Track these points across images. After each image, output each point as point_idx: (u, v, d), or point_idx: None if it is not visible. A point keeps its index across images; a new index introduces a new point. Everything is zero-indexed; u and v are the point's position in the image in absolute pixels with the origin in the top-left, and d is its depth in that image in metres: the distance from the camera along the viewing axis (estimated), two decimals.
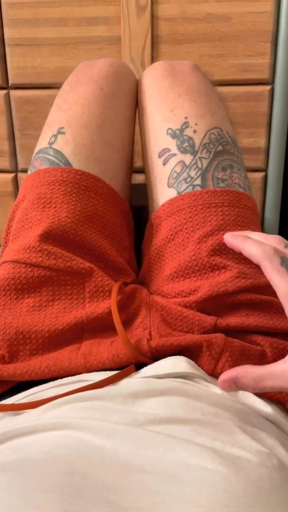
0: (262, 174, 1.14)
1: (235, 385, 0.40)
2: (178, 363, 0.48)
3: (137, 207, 0.76)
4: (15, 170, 1.19)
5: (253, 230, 0.60)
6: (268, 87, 1.09)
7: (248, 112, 1.09)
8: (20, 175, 1.19)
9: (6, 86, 1.13)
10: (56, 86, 1.11)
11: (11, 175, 1.19)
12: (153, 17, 1.07)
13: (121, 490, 0.31)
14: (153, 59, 1.09)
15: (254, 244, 0.42)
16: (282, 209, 1.16)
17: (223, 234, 0.58)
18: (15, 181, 1.20)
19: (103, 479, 0.32)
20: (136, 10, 1.06)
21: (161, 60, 1.09)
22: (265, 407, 0.46)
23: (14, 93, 1.13)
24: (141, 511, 0.30)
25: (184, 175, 0.62)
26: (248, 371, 0.39)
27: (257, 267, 0.57)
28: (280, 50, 1.06)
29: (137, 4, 1.06)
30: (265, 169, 1.14)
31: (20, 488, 0.30)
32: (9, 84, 1.13)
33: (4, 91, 1.13)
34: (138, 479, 0.32)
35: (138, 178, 0.94)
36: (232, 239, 0.44)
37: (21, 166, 1.18)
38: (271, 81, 1.09)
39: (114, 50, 1.09)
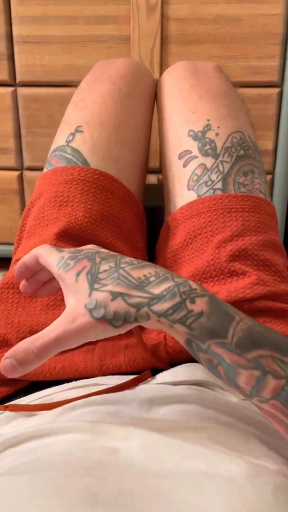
0: (269, 176, 1.14)
1: (17, 362, 0.35)
2: (194, 370, 0.48)
3: (149, 208, 0.76)
4: (20, 168, 1.18)
5: (273, 236, 0.60)
6: (277, 90, 1.09)
7: (257, 114, 1.09)
8: (25, 173, 1.18)
9: (13, 84, 1.12)
10: (64, 85, 1.11)
11: (17, 173, 1.18)
12: (163, 17, 1.06)
13: (137, 496, 0.31)
14: (162, 59, 1.09)
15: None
16: None
17: (243, 239, 0.58)
18: (21, 179, 1.19)
19: (119, 484, 0.32)
20: (146, 10, 1.06)
21: (170, 60, 1.09)
22: None
23: (21, 91, 1.12)
24: None
25: (205, 178, 0.62)
26: (23, 341, 0.37)
27: (276, 274, 0.57)
28: None
29: (147, 3, 1.05)
30: (272, 172, 1.14)
31: (37, 492, 0.30)
32: (17, 81, 1.12)
33: (11, 88, 1.12)
34: (154, 485, 0.32)
35: (151, 179, 0.94)
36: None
37: (26, 164, 1.18)
38: (280, 84, 1.09)
39: (123, 49, 1.09)
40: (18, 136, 1.16)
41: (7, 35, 1.09)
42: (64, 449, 0.36)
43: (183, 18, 1.06)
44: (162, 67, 1.09)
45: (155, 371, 0.49)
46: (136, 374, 0.49)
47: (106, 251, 0.41)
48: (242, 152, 0.63)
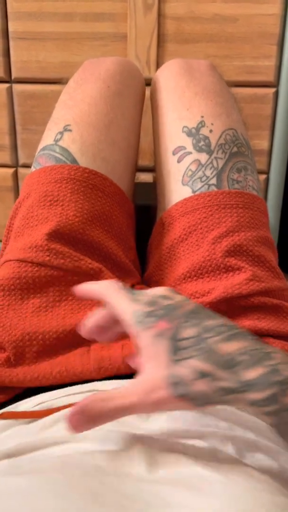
0: (264, 176, 1.14)
1: (84, 419, 0.34)
2: None
3: (140, 206, 0.76)
4: (15, 165, 1.18)
5: (265, 233, 0.60)
6: (273, 90, 1.09)
7: (253, 114, 1.09)
8: (20, 170, 1.18)
9: (9, 80, 1.12)
10: (59, 82, 1.10)
11: (12, 170, 1.18)
12: (160, 15, 1.06)
13: (137, 499, 0.31)
14: (158, 58, 1.09)
15: (91, 284, 0.41)
16: (283, 211, 1.17)
17: (238, 235, 0.58)
18: (15, 176, 1.18)
19: (120, 487, 0.31)
20: (143, 8, 1.06)
21: (167, 59, 1.09)
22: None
23: (16, 87, 1.12)
24: None
25: (200, 174, 0.62)
26: (95, 396, 0.35)
27: (270, 270, 0.57)
28: (286, 53, 1.06)
29: (144, 1, 1.05)
30: (267, 172, 1.14)
31: (39, 494, 0.30)
32: (12, 78, 1.12)
33: (6, 85, 1.12)
34: (152, 488, 0.32)
35: (141, 177, 0.93)
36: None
37: (22, 161, 1.17)
38: (276, 84, 1.09)
39: (119, 47, 1.09)
40: (13, 133, 1.15)
41: (3, 31, 1.08)
42: (64, 457, 0.35)
43: (180, 16, 1.06)
44: (159, 65, 1.09)
45: None
46: (134, 375, 0.48)
47: (182, 299, 0.38)
48: (235, 149, 0.63)
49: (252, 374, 0.32)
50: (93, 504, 0.29)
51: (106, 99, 0.68)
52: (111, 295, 0.39)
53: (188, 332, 0.35)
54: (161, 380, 0.33)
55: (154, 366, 0.34)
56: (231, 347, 0.34)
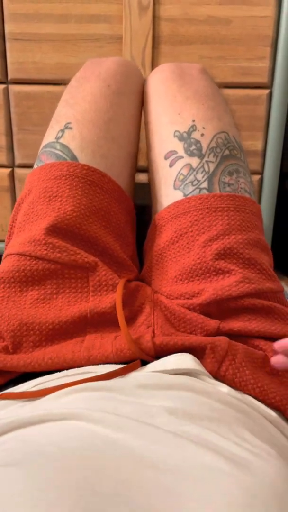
0: (258, 177, 1.15)
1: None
2: (184, 360, 0.48)
3: (137, 206, 0.77)
4: (12, 165, 1.19)
5: (257, 235, 0.61)
6: (266, 91, 1.10)
7: (246, 115, 1.10)
8: (17, 170, 1.19)
9: (5, 81, 1.13)
10: (56, 83, 1.11)
11: (8, 170, 1.18)
12: (155, 17, 1.07)
13: (135, 486, 0.31)
14: (153, 59, 1.10)
15: None
16: (276, 212, 1.18)
17: (229, 238, 0.59)
18: (12, 176, 1.19)
19: (117, 474, 0.32)
20: (138, 10, 1.06)
21: (162, 60, 1.10)
22: (269, 411, 0.47)
23: (13, 88, 1.13)
24: (157, 509, 0.30)
25: (191, 178, 0.63)
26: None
27: (261, 272, 0.58)
28: (280, 54, 1.07)
29: (139, 3, 1.06)
30: (261, 172, 1.15)
31: (32, 484, 0.30)
32: (8, 78, 1.12)
33: (3, 86, 1.12)
34: (152, 475, 0.32)
35: (139, 178, 0.94)
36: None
37: (18, 161, 1.18)
38: (269, 85, 1.10)
39: (114, 49, 1.10)
40: (9, 133, 1.16)
41: None
42: (59, 437, 0.35)
43: (175, 18, 1.07)
44: (154, 67, 1.10)
45: (143, 362, 0.49)
46: (122, 364, 0.49)
47: None
48: (227, 152, 0.64)
49: None
50: (89, 495, 0.29)
51: (106, 97, 0.69)
52: None
53: None
54: None
55: None
56: None
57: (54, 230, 0.58)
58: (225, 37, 1.07)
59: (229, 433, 0.38)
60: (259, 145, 1.13)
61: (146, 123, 0.74)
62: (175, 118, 0.67)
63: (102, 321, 0.54)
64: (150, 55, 1.09)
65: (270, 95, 1.10)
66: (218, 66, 1.09)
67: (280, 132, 1.11)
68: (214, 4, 1.05)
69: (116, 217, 0.64)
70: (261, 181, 1.15)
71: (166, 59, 1.09)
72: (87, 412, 0.37)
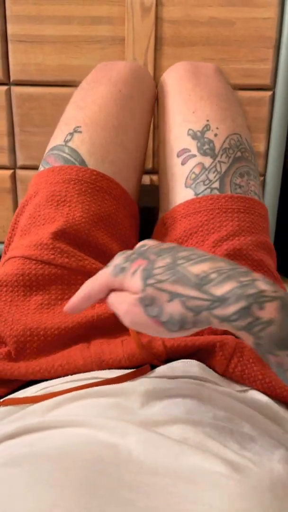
0: (260, 178, 1.15)
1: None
2: (190, 366, 0.48)
3: (141, 208, 0.77)
4: (13, 166, 1.19)
5: (265, 238, 0.61)
6: (269, 93, 1.10)
7: (249, 116, 1.10)
8: (18, 171, 1.19)
9: (7, 82, 1.13)
10: (58, 84, 1.11)
11: (10, 172, 1.18)
12: (157, 18, 1.07)
13: (136, 489, 0.31)
14: (156, 61, 1.10)
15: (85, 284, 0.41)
16: (279, 213, 1.18)
17: (238, 239, 0.59)
18: (13, 177, 1.19)
19: (118, 477, 0.32)
20: (141, 11, 1.06)
21: (164, 62, 1.10)
22: (276, 407, 0.47)
23: (15, 89, 1.13)
24: (156, 509, 0.30)
25: (203, 177, 0.63)
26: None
27: (269, 275, 0.58)
28: (282, 56, 1.07)
29: (142, 5, 1.06)
30: (263, 174, 1.15)
31: (35, 483, 0.30)
32: (11, 80, 1.12)
33: (5, 87, 1.12)
34: (152, 479, 0.32)
35: (143, 179, 0.94)
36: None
37: (20, 162, 1.18)
38: (272, 87, 1.10)
39: (117, 50, 1.10)
40: (11, 134, 1.16)
41: (2, 34, 1.09)
42: (61, 443, 0.36)
43: (177, 20, 1.07)
44: (156, 68, 1.10)
45: (153, 366, 0.49)
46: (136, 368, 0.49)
47: (157, 243, 0.38)
48: (239, 154, 0.64)
49: (223, 289, 0.31)
50: (90, 495, 0.30)
51: (117, 101, 0.69)
52: (94, 281, 0.39)
53: (162, 262, 0.35)
54: (134, 300, 0.34)
55: (130, 293, 0.35)
56: (202, 267, 0.33)
57: (62, 235, 0.58)
58: (228, 39, 1.08)
59: (230, 441, 0.38)
60: (261, 147, 1.13)
61: (160, 120, 0.74)
62: (189, 116, 0.67)
63: (108, 326, 0.54)
64: (153, 57, 1.09)
65: (272, 97, 1.10)
66: (221, 68, 1.09)
67: (282, 134, 1.11)
68: (217, 6, 1.05)
69: (122, 224, 0.64)
70: (263, 182, 1.16)
71: (168, 61, 1.09)
72: (89, 419, 0.38)
